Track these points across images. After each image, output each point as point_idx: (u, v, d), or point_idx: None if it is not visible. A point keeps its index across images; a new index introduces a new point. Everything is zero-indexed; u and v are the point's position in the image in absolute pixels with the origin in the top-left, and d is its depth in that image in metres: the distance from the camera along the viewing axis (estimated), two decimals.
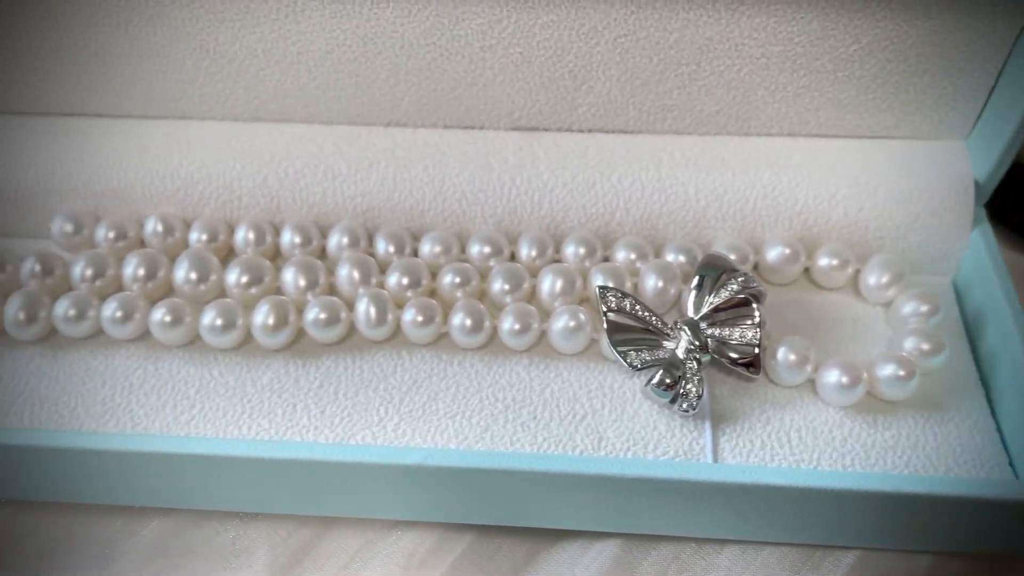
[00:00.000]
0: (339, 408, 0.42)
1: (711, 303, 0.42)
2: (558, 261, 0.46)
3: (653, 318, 0.42)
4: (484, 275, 0.46)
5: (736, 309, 0.42)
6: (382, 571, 0.40)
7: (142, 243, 0.47)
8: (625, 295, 0.42)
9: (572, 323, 0.43)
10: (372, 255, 0.46)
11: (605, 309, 0.42)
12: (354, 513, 0.41)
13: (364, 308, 0.43)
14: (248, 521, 0.41)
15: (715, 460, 0.40)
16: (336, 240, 0.46)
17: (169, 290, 0.46)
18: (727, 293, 0.42)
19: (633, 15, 0.43)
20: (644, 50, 0.44)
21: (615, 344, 0.41)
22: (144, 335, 0.44)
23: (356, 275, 0.45)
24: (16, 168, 0.47)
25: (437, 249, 0.46)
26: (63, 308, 0.43)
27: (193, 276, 0.45)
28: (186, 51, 0.45)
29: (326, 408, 0.42)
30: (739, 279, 0.42)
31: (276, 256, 0.47)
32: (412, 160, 0.47)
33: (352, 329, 0.44)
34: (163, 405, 0.42)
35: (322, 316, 0.43)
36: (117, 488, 0.41)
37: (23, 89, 0.48)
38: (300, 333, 0.44)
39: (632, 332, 0.42)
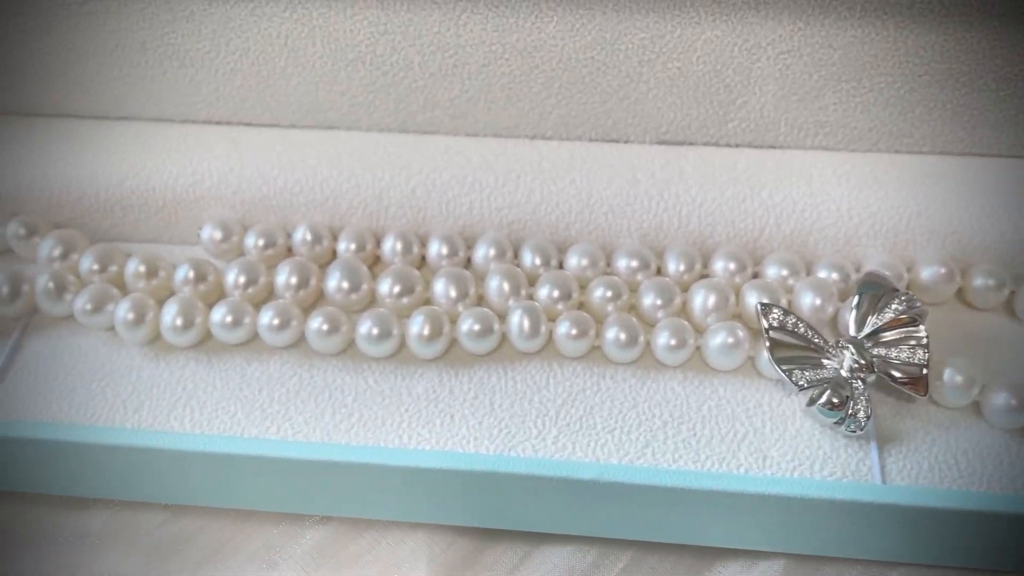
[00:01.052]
0: (496, 419, 0.42)
1: (874, 322, 0.42)
2: (705, 276, 0.46)
3: (815, 336, 0.42)
4: (632, 289, 0.46)
5: (902, 329, 0.41)
6: None
7: (289, 251, 0.48)
8: (787, 313, 0.42)
9: (731, 339, 0.42)
10: (518, 267, 0.46)
11: (767, 326, 0.41)
12: (514, 526, 0.41)
13: (518, 320, 0.43)
14: (408, 531, 0.41)
15: (883, 481, 0.39)
16: (483, 252, 0.46)
17: (319, 298, 0.46)
18: (890, 313, 0.42)
19: (800, 31, 0.43)
20: (806, 66, 0.44)
21: (778, 362, 0.41)
22: (299, 342, 0.44)
23: (506, 287, 0.45)
24: (166, 175, 0.48)
25: (584, 262, 0.46)
26: (220, 315, 0.44)
27: (345, 285, 0.45)
28: (342, 62, 0.46)
29: (483, 419, 0.42)
30: (903, 299, 0.42)
31: (422, 266, 0.48)
32: (558, 173, 0.47)
33: (502, 340, 0.44)
34: (321, 413, 0.42)
35: (476, 327, 0.43)
36: (279, 494, 0.41)
37: (175, 98, 0.48)
38: (450, 343, 0.44)
39: (794, 350, 0.41)
